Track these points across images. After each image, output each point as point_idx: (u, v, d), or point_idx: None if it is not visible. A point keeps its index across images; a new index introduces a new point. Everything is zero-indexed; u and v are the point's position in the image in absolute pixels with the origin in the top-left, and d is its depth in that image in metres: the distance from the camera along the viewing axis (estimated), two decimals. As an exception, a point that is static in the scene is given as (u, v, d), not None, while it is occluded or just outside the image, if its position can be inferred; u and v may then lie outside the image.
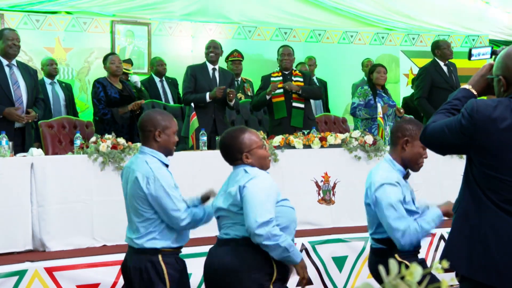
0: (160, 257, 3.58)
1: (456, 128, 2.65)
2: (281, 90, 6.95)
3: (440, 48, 7.79)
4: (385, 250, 3.59)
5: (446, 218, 3.56)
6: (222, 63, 8.54)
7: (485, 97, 2.87)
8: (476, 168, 2.67)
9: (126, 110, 6.53)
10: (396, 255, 3.50)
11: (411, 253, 3.58)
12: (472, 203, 2.69)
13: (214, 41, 7.20)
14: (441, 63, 7.77)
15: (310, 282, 4.92)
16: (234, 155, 3.51)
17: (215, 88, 6.69)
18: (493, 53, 3.11)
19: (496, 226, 2.63)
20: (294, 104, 6.97)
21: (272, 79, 7.03)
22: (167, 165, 3.67)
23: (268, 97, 6.94)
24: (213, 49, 6.96)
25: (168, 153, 3.70)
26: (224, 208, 3.47)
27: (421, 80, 7.74)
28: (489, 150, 2.62)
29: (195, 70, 6.94)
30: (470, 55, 3.29)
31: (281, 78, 7.04)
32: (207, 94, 6.68)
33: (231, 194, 3.43)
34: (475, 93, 2.79)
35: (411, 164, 3.65)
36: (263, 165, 3.52)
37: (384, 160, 3.72)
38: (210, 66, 7.01)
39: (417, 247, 3.63)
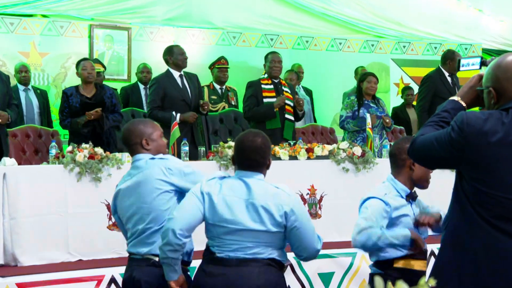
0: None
1: (446, 142, 2.56)
2: (275, 99, 6.74)
3: (454, 61, 7.66)
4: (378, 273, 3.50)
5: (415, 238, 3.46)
6: (205, 70, 8.36)
7: (477, 109, 2.76)
8: (467, 183, 2.57)
9: (83, 121, 6.32)
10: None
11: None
12: (462, 219, 2.59)
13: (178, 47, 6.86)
14: (446, 73, 7.71)
15: None
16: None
17: (189, 113, 6.45)
18: (483, 63, 3.03)
19: (487, 244, 2.53)
20: (287, 116, 6.81)
21: (263, 86, 6.82)
22: None
23: (275, 110, 6.67)
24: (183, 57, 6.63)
25: None
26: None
27: (425, 88, 7.71)
28: (479, 165, 2.53)
29: (163, 82, 6.55)
30: (459, 66, 3.20)
31: (272, 86, 6.84)
32: (178, 116, 6.25)
33: (270, 212, 3.25)
34: (464, 104, 2.71)
35: (421, 182, 3.59)
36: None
37: (386, 180, 3.66)
38: (176, 74, 6.63)
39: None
